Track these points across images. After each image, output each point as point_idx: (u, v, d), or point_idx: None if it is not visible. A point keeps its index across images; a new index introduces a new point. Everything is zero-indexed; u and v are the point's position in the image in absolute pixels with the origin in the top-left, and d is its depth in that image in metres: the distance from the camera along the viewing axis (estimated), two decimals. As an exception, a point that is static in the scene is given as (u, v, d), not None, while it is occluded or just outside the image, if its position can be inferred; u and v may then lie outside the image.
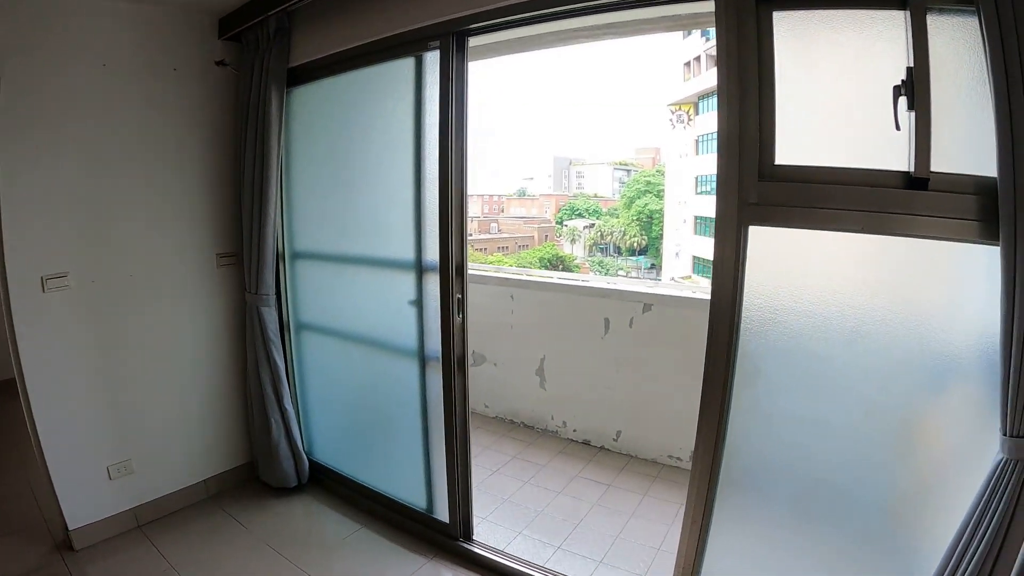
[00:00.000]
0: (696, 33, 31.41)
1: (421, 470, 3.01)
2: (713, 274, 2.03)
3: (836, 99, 1.89)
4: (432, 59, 2.63)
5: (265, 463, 3.36)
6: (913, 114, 1.68)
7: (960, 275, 1.81)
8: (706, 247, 30.91)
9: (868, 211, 1.77)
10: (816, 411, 2.03)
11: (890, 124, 1.71)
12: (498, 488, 3.58)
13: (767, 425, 2.11)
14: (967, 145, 1.69)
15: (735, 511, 2.19)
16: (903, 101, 1.68)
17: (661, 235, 39.00)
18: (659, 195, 40.07)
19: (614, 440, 4.12)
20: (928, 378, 1.87)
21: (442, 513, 2.94)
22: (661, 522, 3.23)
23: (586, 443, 4.24)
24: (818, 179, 1.83)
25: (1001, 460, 1.62)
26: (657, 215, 39.90)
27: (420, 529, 3.02)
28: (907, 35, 1.68)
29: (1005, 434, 1.60)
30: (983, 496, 1.64)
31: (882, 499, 1.99)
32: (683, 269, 34.03)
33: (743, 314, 2.01)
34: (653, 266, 39.90)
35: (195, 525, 3.10)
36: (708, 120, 31.98)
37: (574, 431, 4.29)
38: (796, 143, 1.88)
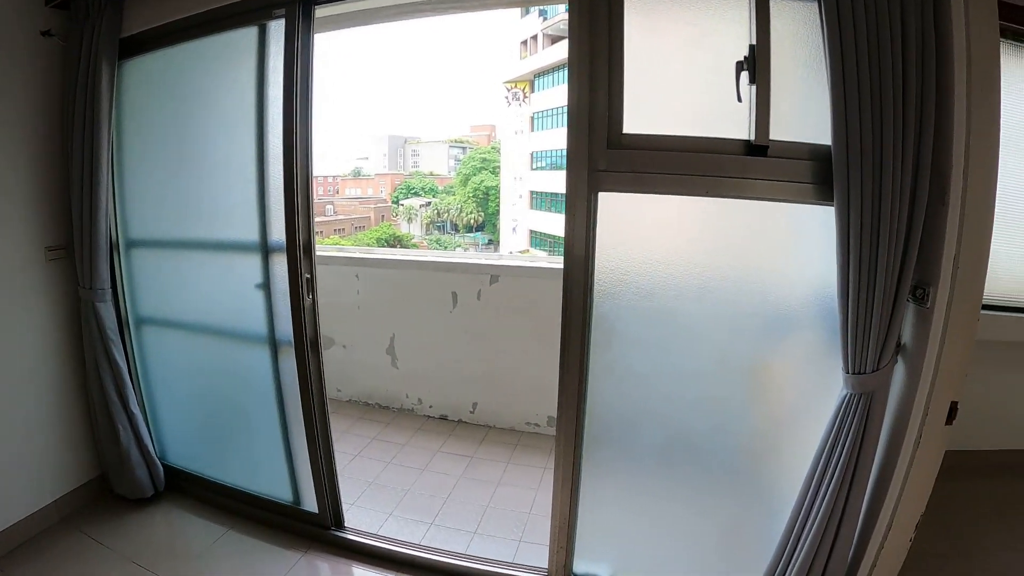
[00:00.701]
0: (534, 12, 32.04)
1: (283, 462, 2.86)
2: (565, 240, 2.08)
3: (683, 72, 2.00)
4: (277, 28, 2.46)
5: (117, 474, 3.03)
6: (754, 87, 1.81)
7: (798, 233, 1.99)
8: (543, 221, 31.85)
9: (712, 176, 1.90)
10: (672, 364, 2.17)
11: (733, 96, 1.83)
12: (362, 472, 3.49)
13: (626, 382, 2.21)
14: (803, 115, 1.85)
15: (603, 467, 2.29)
16: (745, 75, 1.82)
17: (498, 211, 39.62)
18: (495, 172, 40.63)
19: (471, 412, 4.16)
20: (773, 326, 2.05)
21: (310, 504, 2.83)
22: (528, 487, 3.31)
23: (443, 418, 4.24)
24: (665, 147, 1.94)
25: (846, 395, 1.82)
26: (493, 191, 40.47)
27: (290, 523, 2.88)
28: (751, 14, 1.82)
29: (847, 372, 1.79)
30: (833, 428, 1.85)
31: (740, 439, 2.18)
32: (521, 243, 34.82)
33: (596, 277, 2.09)
34: (491, 242, 40.50)
35: (52, 553, 2.72)
36: (543, 98, 32.90)
37: (430, 407, 4.28)
38: (644, 113, 1.96)
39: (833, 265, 1.75)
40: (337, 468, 2.81)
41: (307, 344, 2.60)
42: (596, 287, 2.09)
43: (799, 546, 1.94)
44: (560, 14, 29.14)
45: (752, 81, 1.81)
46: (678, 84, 2.00)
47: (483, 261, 4.16)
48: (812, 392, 2.02)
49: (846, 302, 1.74)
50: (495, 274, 3.96)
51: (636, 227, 2.07)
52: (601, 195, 2.01)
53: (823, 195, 1.78)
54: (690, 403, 2.18)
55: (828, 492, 1.86)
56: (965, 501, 3.39)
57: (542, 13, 31.89)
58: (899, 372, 1.86)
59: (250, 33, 2.56)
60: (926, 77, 1.63)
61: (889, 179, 1.64)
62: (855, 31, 1.62)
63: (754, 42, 1.80)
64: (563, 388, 2.20)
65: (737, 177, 1.89)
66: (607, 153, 1.96)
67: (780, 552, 2.00)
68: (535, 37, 33.23)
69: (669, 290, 2.07)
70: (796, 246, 2.01)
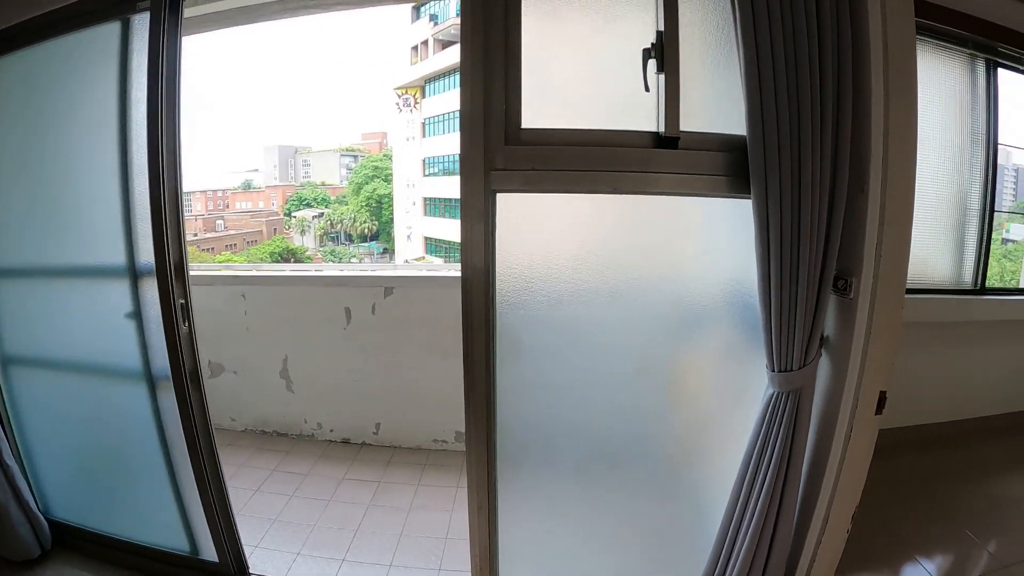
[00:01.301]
0: (425, 17, 31.84)
1: (174, 508, 2.54)
2: (462, 248, 1.88)
3: (587, 62, 1.87)
4: (141, 23, 2.16)
5: (-4, 535, 2.61)
6: (663, 76, 1.70)
7: (713, 228, 1.90)
8: (438, 227, 31.78)
9: (619, 171, 1.77)
10: (587, 372, 2.04)
11: (640, 86, 1.72)
12: (264, 509, 3.19)
13: (538, 394, 2.07)
14: (716, 105, 1.77)
15: (521, 485, 2.13)
16: (653, 64, 1.70)
17: (392, 219, 39.13)
18: (388, 179, 40.06)
19: (374, 434, 3.94)
20: (692, 327, 1.97)
21: (209, 552, 2.53)
22: (442, 509, 3.13)
23: (346, 442, 3.99)
24: (567, 141, 1.79)
25: (773, 394, 1.74)
26: (387, 199, 39.92)
27: (190, 576, 2.56)
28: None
29: (773, 370, 1.72)
30: (762, 428, 1.78)
31: (665, 444, 2.09)
32: (417, 251, 34.55)
33: (498, 286, 1.91)
34: (386, 250, 39.96)
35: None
36: (435, 103, 32.77)
37: (331, 431, 4.02)
38: (545, 107, 1.81)
39: (751, 260, 1.68)
40: (235, 508, 2.53)
41: (186, 377, 2.31)
42: (499, 297, 1.92)
43: (736, 548, 1.88)
44: (451, 19, 29.11)
45: (660, 70, 1.70)
46: (582, 74, 1.87)
47: (376, 273, 3.99)
48: (737, 392, 1.96)
49: (768, 298, 1.67)
50: (389, 286, 3.77)
51: (540, 230, 1.92)
52: (500, 196, 1.83)
53: (739, 187, 1.70)
54: (609, 411, 2.06)
55: (762, 492, 1.80)
56: (889, 478, 3.51)
57: (433, 18, 31.76)
58: (825, 366, 1.82)
59: (112, 29, 2.24)
60: (842, 64, 1.59)
61: (808, 169, 1.58)
62: (769, 16, 1.54)
63: (662, 28, 1.69)
64: (470, 406, 2.02)
65: (646, 171, 1.77)
66: (505, 150, 1.78)
67: (716, 555, 1.93)
68: (426, 42, 33.07)
69: (579, 295, 1.93)
70: (712, 242, 1.93)
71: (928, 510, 3.26)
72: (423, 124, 33.96)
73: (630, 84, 1.73)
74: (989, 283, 4.11)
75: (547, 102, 1.81)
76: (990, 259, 4.01)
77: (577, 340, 2.00)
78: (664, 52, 1.69)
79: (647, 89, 1.72)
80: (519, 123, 1.78)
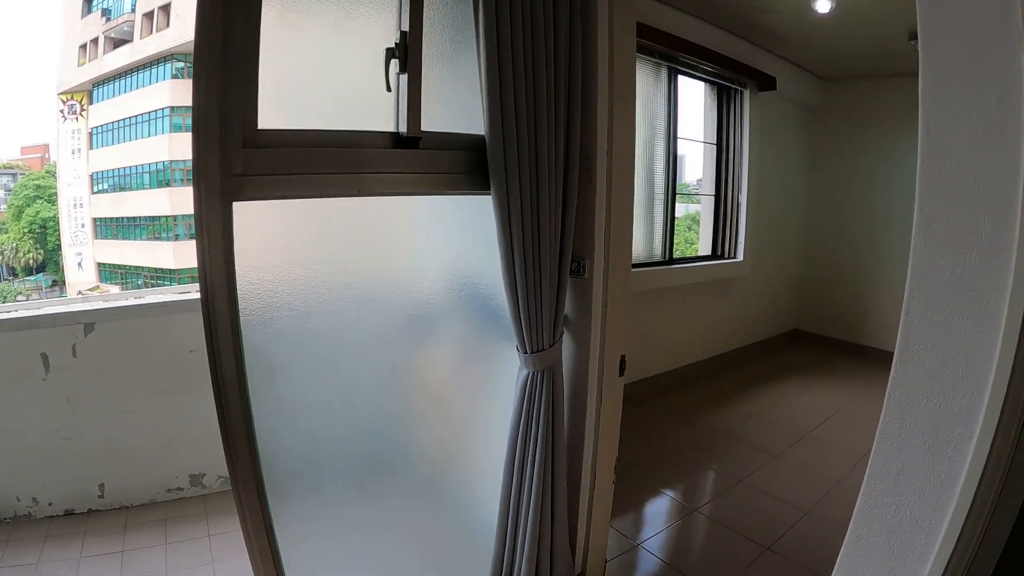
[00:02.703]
0: (97, 12, 27.27)
1: None
2: (199, 265, 1.67)
3: (329, 60, 1.79)
4: None
5: None
6: (405, 76, 1.70)
7: (456, 225, 1.97)
8: (113, 251, 28.11)
9: (363, 173, 1.73)
10: (347, 385, 1.98)
11: (383, 86, 1.71)
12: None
13: (300, 417, 1.95)
14: (457, 104, 1.81)
15: (299, 517, 2.00)
16: (395, 63, 1.70)
17: (59, 246, 33.72)
18: (52, 200, 34.45)
19: (100, 497, 3.34)
20: (442, 324, 2.02)
21: None
22: (201, 564, 2.80)
23: (70, 513, 3.33)
24: (310, 143, 1.70)
25: (528, 374, 1.85)
26: (52, 223, 34.29)
27: None
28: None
29: (527, 352, 1.83)
30: (523, 408, 1.90)
31: (434, 443, 2.12)
32: (90, 279, 30.09)
33: (241, 305, 1.73)
34: (55, 283, 34.31)
35: None
36: (105, 110, 28.40)
37: (50, 504, 3.33)
38: (285, 107, 1.70)
39: (492, 253, 1.77)
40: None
41: None
42: (244, 317, 1.74)
43: (520, 521, 1.99)
44: (126, 14, 25.47)
45: (403, 70, 1.70)
46: (323, 73, 1.79)
47: (73, 308, 3.38)
48: (492, 379, 2.06)
49: (515, 287, 1.78)
50: (90, 322, 3.22)
51: (286, 239, 1.80)
52: (239, 205, 1.65)
53: (480, 184, 1.78)
54: (375, 418, 2.03)
55: (535, 467, 1.93)
56: (633, 426, 4.09)
57: (106, 13, 27.30)
58: (570, 342, 2.00)
59: None
60: (574, 69, 1.75)
61: (545, 164, 1.71)
62: (511, 21, 1.63)
63: (406, 28, 1.69)
64: (230, 444, 1.81)
65: (389, 172, 1.76)
66: (244, 154, 1.61)
67: (503, 534, 2.02)
68: (96, 40, 28.45)
69: (329, 305, 1.86)
70: (457, 239, 2.00)
71: (663, 448, 3.89)
72: (90, 134, 29.58)
73: (373, 83, 1.71)
74: (676, 254, 4.92)
75: (287, 101, 1.70)
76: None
77: (332, 351, 1.93)
78: (408, 52, 1.69)
79: (389, 89, 1.71)
80: (255, 124, 1.63)
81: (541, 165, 1.71)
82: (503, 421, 1.93)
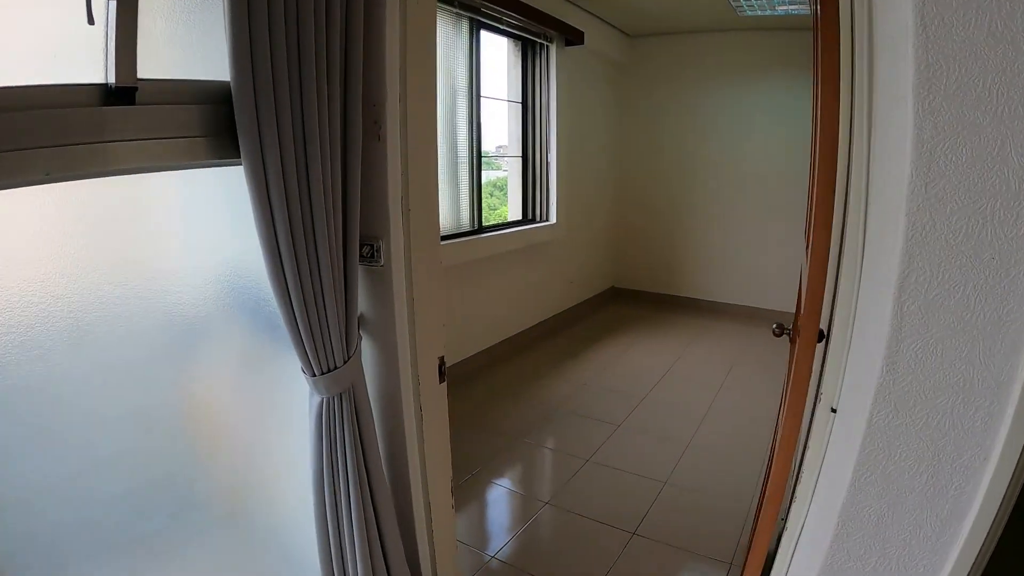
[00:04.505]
0: None
1: None
2: None
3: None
4: None
5: None
6: (114, 3, 1.13)
7: (200, 208, 1.44)
8: None
9: (57, 146, 1.12)
10: (78, 437, 1.37)
11: (83, 17, 1.12)
12: None
13: (19, 510, 1.34)
14: (191, 42, 1.27)
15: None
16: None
17: None
18: None
19: None
20: (218, 341, 1.50)
21: None
22: None
23: None
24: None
25: (321, 401, 1.40)
26: None
27: None
28: None
29: (314, 375, 1.38)
30: (322, 441, 1.45)
31: (221, 488, 1.60)
32: None
33: None
34: None
35: None
36: None
37: None
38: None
39: (251, 242, 1.28)
40: None
41: None
42: None
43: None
44: None
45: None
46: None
47: None
48: (290, 401, 1.57)
49: (286, 288, 1.29)
50: None
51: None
52: None
53: (227, 150, 1.25)
54: (128, 474, 1.45)
55: (351, 512, 1.49)
56: (466, 408, 3.83)
57: None
58: (371, 349, 1.55)
59: None
60: None
61: (315, 116, 1.23)
62: None
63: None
64: None
65: (94, 142, 1.15)
66: None
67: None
68: None
69: (35, 342, 1.25)
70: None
71: (497, 435, 3.53)
72: None
73: (70, 15, 1.11)
74: (485, 222, 4.55)
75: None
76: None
77: (44, 402, 1.32)
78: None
79: (92, 21, 1.13)
80: None
81: (311, 117, 1.22)
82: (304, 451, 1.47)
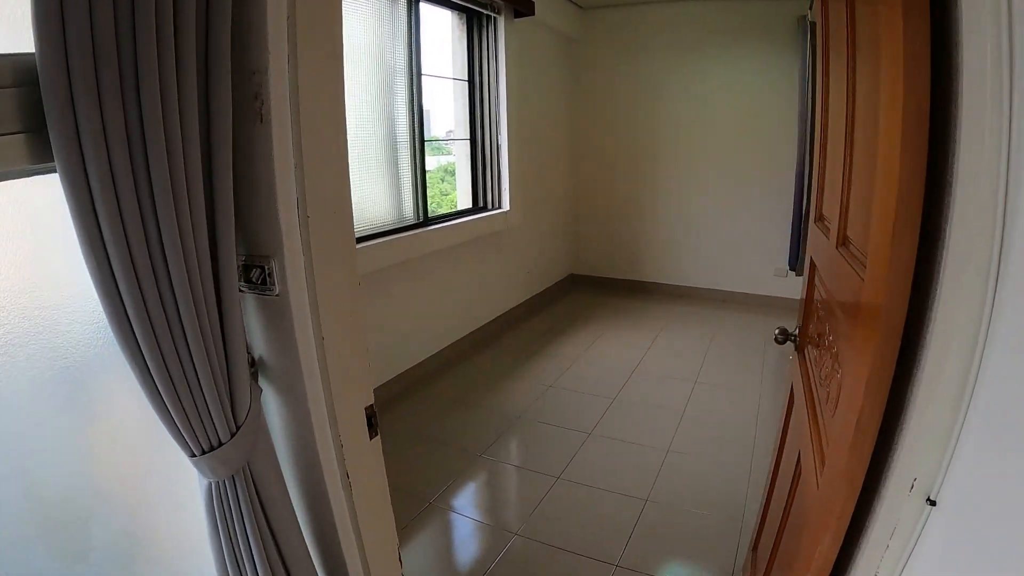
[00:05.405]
0: None
1: None
2: None
3: None
4: None
5: None
6: None
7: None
8: None
9: None
10: None
11: None
12: None
13: None
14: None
15: None
16: None
17: None
18: None
19: None
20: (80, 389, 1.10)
21: None
22: None
23: None
24: None
25: (209, 486, 1.02)
26: None
27: None
28: None
29: (194, 455, 0.99)
30: (218, 531, 1.05)
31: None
32: None
33: None
34: None
35: None
36: None
37: None
38: None
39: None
40: None
41: None
42: None
43: None
44: None
45: None
46: None
47: None
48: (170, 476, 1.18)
49: (133, 338, 0.88)
50: None
51: None
52: None
53: (40, 152, 0.84)
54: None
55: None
56: (414, 425, 3.45)
57: None
58: (274, 402, 1.16)
59: None
60: None
61: (156, 94, 0.82)
62: None
63: None
64: None
65: None
66: None
67: None
68: None
69: None
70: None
71: (455, 455, 3.14)
72: None
73: None
74: (432, 212, 4.12)
75: None
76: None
77: None
78: None
79: None
80: None
81: (150, 95, 0.80)
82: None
